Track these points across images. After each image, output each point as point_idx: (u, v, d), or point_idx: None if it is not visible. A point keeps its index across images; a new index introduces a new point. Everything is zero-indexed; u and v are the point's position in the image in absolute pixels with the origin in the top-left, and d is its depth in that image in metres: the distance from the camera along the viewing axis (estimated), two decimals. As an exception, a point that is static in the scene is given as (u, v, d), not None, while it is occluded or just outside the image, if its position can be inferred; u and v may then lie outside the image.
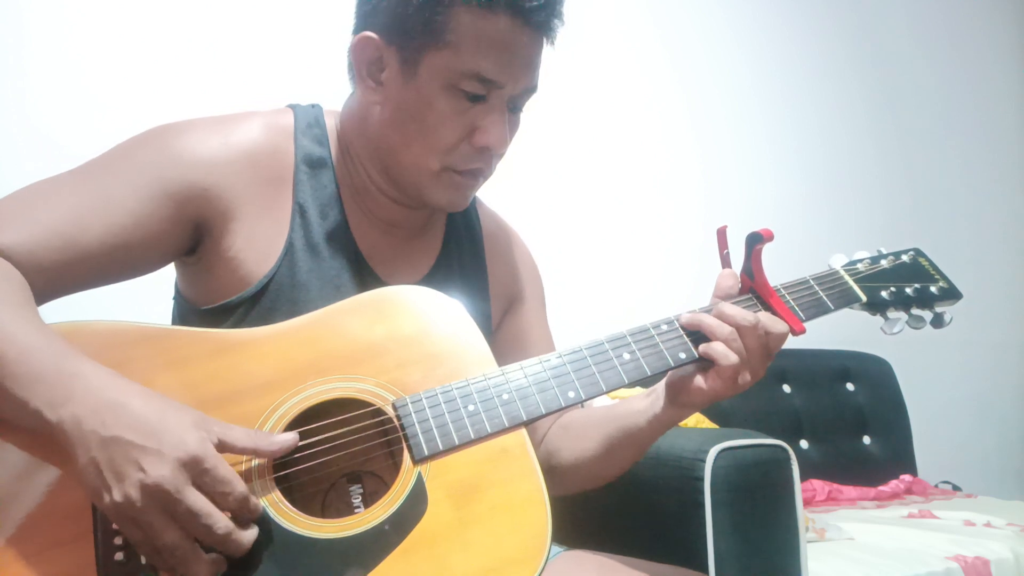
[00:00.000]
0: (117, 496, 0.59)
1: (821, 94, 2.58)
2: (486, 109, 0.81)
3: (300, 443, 0.70)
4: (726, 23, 2.44)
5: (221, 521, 0.60)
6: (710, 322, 0.78)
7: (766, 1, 2.53)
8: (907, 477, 2.15)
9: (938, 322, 0.89)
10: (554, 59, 0.86)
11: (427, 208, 0.90)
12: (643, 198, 2.23)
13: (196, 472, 0.60)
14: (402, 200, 0.89)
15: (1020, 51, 3.01)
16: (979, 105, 2.87)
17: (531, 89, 0.85)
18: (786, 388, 2.18)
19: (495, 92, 0.81)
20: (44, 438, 0.62)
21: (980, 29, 2.91)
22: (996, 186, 2.88)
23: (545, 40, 0.83)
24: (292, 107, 0.92)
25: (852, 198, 2.58)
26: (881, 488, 2.08)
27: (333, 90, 0.94)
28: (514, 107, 0.85)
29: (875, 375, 2.30)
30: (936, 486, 2.23)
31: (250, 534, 0.62)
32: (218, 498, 0.61)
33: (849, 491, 2.03)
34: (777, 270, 0.84)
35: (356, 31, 0.84)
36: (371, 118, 0.86)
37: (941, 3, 2.84)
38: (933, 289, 0.90)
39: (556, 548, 0.86)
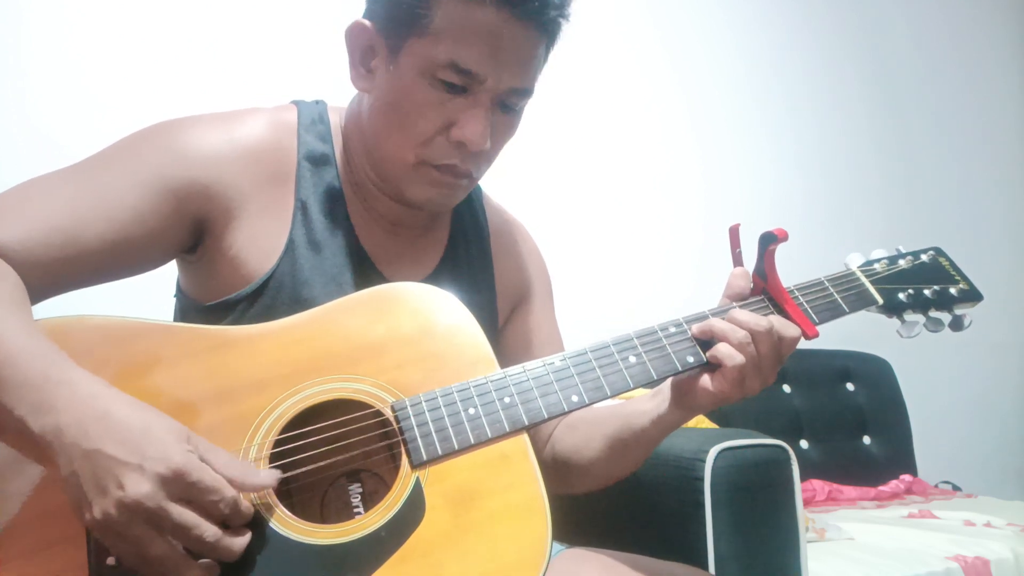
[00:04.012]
0: (97, 512, 0.57)
1: (821, 94, 2.58)
2: (467, 103, 0.78)
3: (299, 443, 0.69)
4: (726, 23, 2.43)
5: (209, 530, 0.59)
6: (722, 327, 0.76)
7: (766, 1, 2.52)
8: (907, 477, 2.15)
9: (957, 325, 0.87)
10: (552, 59, 0.85)
11: (411, 207, 0.87)
12: (643, 199, 2.22)
13: (181, 485, 0.58)
14: (393, 197, 0.87)
15: (1020, 51, 3.00)
16: (979, 105, 2.86)
17: (523, 90, 0.81)
18: (786, 388, 2.17)
19: (477, 86, 0.77)
20: (31, 445, 0.61)
21: (980, 29, 2.91)
22: (996, 186, 2.87)
23: (541, 37, 0.79)
24: (296, 103, 0.91)
25: (852, 198, 2.57)
26: (881, 488, 2.08)
27: (340, 88, 0.92)
28: (504, 107, 0.81)
29: (875, 375, 2.29)
30: (936, 486, 2.23)
31: (241, 538, 0.61)
32: (209, 507, 0.60)
33: (849, 491, 2.03)
34: (779, 271, 0.83)
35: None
36: (363, 109, 0.85)
37: (941, 3, 2.84)
38: (953, 291, 0.87)
39: (558, 546, 0.86)
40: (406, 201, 0.86)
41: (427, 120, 0.79)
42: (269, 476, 0.64)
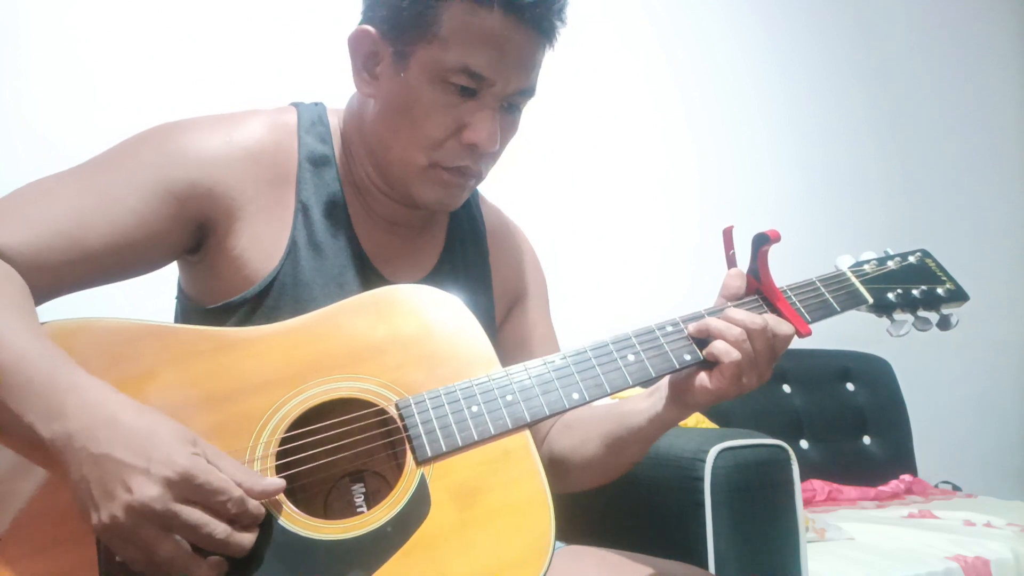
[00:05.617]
0: (104, 517, 0.58)
1: (820, 93, 2.58)
2: (477, 106, 0.80)
3: (302, 442, 0.70)
4: (724, 22, 2.44)
5: (219, 527, 0.60)
6: (718, 325, 0.78)
7: (765, 1, 2.53)
8: (907, 477, 2.16)
9: (944, 324, 0.89)
10: (550, 58, 0.86)
11: (417, 207, 0.89)
12: (639, 199, 2.23)
13: (189, 488, 0.59)
14: (397, 198, 0.89)
15: (1020, 51, 3.01)
16: (979, 104, 2.87)
17: (528, 91, 0.84)
18: (786, 388, 2.18)
19: (486, 89, 0.80)
20: (40, 449, 0.62)
21: (980, 29, 2.91)
22: (996, 185, 2.88)
23: (541, 40, 0.82)
24: (296, 105, 0.92)
25: (851, 198, 2.57)
26: (881, 488, 2.08)
27: (339, 89, 0.93)
28: (510, 107, 0.84)
29: (875, 375, 2.30)
30: (936, 486, 2.23)
31: (250, 534, 0.62)
32: (218, 507, 0.61)
33: (849, 491, 2.03)
34: (774, 271, 0.84)
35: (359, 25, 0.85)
36: (366, 114, 0.86)
37: (941, 3, 2.84)
38: (940, 291, 0.90)
39: (558, 544, 0.87)
40: (413, 202, 0.87)
41: (438, 124, 0.81)
42: (274, 483, 0.65)
